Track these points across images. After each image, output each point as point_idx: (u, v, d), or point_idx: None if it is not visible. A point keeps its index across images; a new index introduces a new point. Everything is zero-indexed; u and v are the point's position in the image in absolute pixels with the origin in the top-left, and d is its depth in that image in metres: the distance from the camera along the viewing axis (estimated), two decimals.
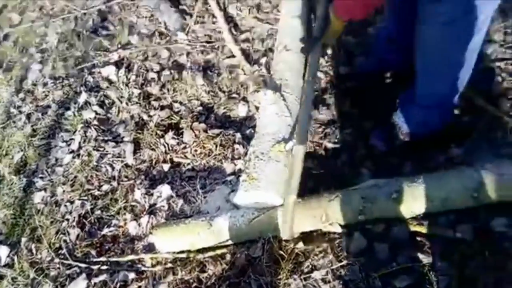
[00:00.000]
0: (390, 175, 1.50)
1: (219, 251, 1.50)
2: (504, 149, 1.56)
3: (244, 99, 2.03)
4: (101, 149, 2.04)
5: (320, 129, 1.78)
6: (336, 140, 1.75)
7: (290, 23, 1.99)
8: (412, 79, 1.51)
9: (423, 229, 1.40)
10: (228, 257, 1.48)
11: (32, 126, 2.28)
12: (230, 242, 1.50)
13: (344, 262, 1.37)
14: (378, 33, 1.80)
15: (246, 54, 2.23)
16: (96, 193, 1.88)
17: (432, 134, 1.62)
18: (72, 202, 1.87)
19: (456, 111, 1.68)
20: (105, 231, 1.72)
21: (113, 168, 1.96)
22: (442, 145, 1.63)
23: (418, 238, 1.39)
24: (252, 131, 1.85)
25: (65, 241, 1.72)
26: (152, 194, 1.77)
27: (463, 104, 1.68)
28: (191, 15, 2.57)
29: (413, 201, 1.41)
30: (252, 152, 1.57)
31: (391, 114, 1.65)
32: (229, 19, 2.44)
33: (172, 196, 1.74)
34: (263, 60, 2.16)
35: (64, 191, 1.93)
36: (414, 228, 1.41)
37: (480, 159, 1.54)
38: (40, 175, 2.04)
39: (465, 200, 1.40)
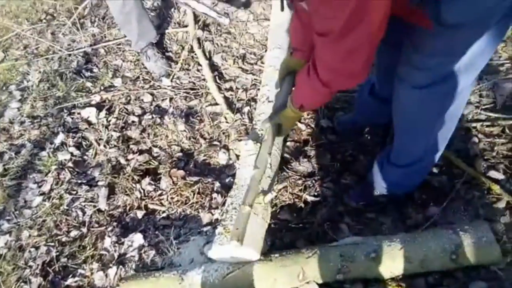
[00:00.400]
0: (369, 232, 1.48)
1: None
2: (482, 210, 1.57)
3: (225, 147, 2.02)
4: (74, 192, 1.98)
5: (300, 181, 1.77)
6: (315, 193, 1.73)
7: (273, 75, 2.03)
8: (392, 135, 1.52)
9: None
10: None
11: (3, 165, 2.19)
12: None
13: None
14: (361, 86, 1.82)
15: (229, 103, 2.24)
16: (64, 239, 1.80)
17: (407, 193, 1.63)
18: (37, 248, 1.77)
19: (435, 170, 1.70)
20: (70, 281, 1.63)
21: (84, 213, 1.88)
22: (417, 203, 1.63)
23: None
24: (232, 179, 1.82)
25: None
26: (123, 243, 1.70)
27: (441, 163, 1.71)
28: (176, 62, 2.60)
29: (392, 261, 1.38)
30: (230, 203, 1.53)
31: (370, 170, 1.65)
32: (213, 67, 2.47)
33: (144, 246, 1.67)
34: (246, 110, 2.17)
35: (30, 235, 1.84)
36: None
37: (457, 220, 1.55)
38: (7, 217, 1.94)
39: (444, 262, 1.38)
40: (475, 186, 1.65)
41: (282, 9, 1.26)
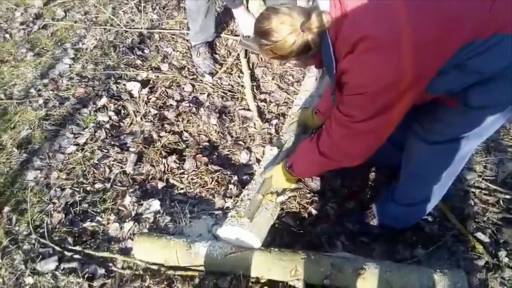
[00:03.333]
0: (360, 253, 1.66)
1: (189, 273, 1.58)
2: (463, 262, 1.74)
3: (249, 148, 2.21)
4: (105, 150, 2.16)
5: (309, 195, 1.95)
6: (320, 209, 1.91)
7: (306, 99, 2.25)
8: (399, 177, 1.72)
9: None
10: (196, 280, 1.56)
11: (46, 110, 2.39)
12: (202, 268, 1.59)
13: None
14: None
15: (260, 112, 2.44)
16: (88, 188, 1.97)
17: (401, 228, 1.81)
18: (63, 189, 1.95)
19: (429, 218, 1.88)
20: (87, 224, 1.80)
21: (110, 171, 2.07)
22: (407, 242, 1.81)
23: None
24: (249, 178, 2.01)
25: (46, 222, 1.78)
26: (141, 204, 1.87)
27: (437, 214, 1.89)
28: (221, 64, 2.82)
29: (375, 281, 1.55)
30: (247, 194, 1.72)
31: (374, 201, 1.84)
32: (253, 78, 2.69)
33: (159, 212, 1.84)
34: (274, 122, 2.37)
35: (58, 177, 2.01)
36: None
37: (440, 265, 1.72)
38: (40, 156, 2.12)
39: None
40: (461, 241, 1.82)
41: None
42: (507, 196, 1.99)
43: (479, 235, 1.84)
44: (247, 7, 2.50)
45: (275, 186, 1.67)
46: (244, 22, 2.39)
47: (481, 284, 1.66)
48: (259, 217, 1.64)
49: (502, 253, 1.73)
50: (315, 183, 2.01)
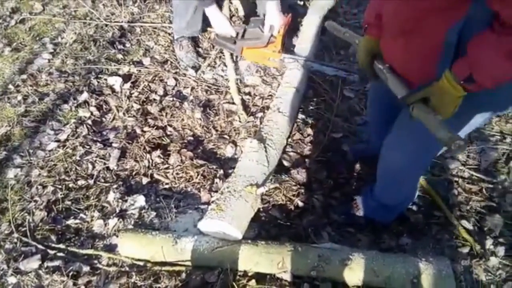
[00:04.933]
0: (347, 244, 1.67)
1: (176, 268, 1.57)
2: (447, 250, 1.76)
3: (234, 142, 2.20)
4: (87, 146, 2.12)
5: (295, 187, 1.95)
6: (306, 201, 1.91)
7: (288, 91, 2.24)
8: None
9: None
10: (183, 275, 1.55)
11: (26, 107, 2.34)
12: (189, 263, 1.58)
13: None
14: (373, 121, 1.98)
15: (245, 105, 2.43)
16: (71, 185, 1.93)
17: (382, 223, 1.83)
18: (44, 187, 1.91)
19: (414, 208, 1.91)
20: (70, 221, 1.76)
21: (93, 167, 2.03)
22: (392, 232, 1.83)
23: None
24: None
25: (28, 220, 1.74)
26: (126, 200, 1.84)
27: (421, 203, 1.91)
28: (204, 58, 2.79)
29: (361, 271, 1.56)
30: (227, 187, 1.71)
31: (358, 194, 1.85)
32: (237, 71, 2.67)
33: (144, 207, 1.82)
34: (259, 115, 2.36)
35: (39, 174, 1.97)
36: None
37: (425, 253, 1.74)
38: (21, 153, 2.07)
39: (405, 283, 1.56)
40: (446, 230, 1.85)
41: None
42: (490, 185, 2.02)
43: (463, 222, 1.87)
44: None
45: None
46: (216, 20, 2.41)
47: (465, 271, 1.69)
48: (239, 210, 1.63)
49: (487, 241, 1.76)
50: (301, 176, 2.01)
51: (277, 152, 1.96)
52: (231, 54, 2.75)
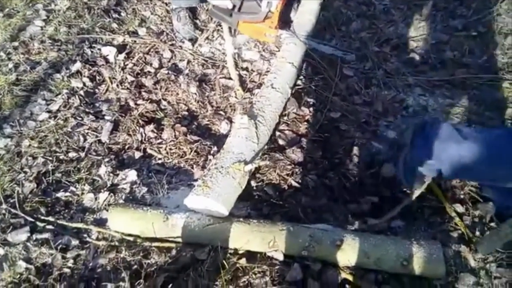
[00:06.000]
0: (338, 226, 1.66)
1: (166, 244, 1.56)
2: (439, 234, 1.76)
3: (229, 118, 2.16)
4: (79, 118, 2.08)
5: (289, 167, 1.92)
6: (300, 181, 1.89)
7: (283, 66, 2.19)
8: None
9: (353, 279, 1.54)
10: (173, 252, 1.54)
11: (17, 75, 2.28)
12: (179, 239, 1.57)
13: (278, 287, 1.47)
14: None
15: (242, 81, 2.37)
16: (62, 157, 1.90)
17: None
18: (35, 158, 1.88)
19: (408, 191, 1.89)
20: (60, 194, 1.74)
21: (85, 140, 2.00)
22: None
23: (347, 286, 1.52)
24: None
25: (17, 191, 1.72)
26: (117, 175, 1.82)
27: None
28: (201, 30, 2.72)
29: (352, 253, 1.56)
30: (214, 163, 1.68)
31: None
32: (235, 46, 2.60)
33: (136, 182, 1.79)
34: (256, 91, 2.31)
35: (30, 145, 1.94)
36: (345, 275, 1.55)
37: (416, 236, 1.74)
38: (11, 123, 2.04)
39: (396, 265, 1.55)
40: (438, 214, 1.84)
41: None
42: None
43: (457, 206, 1.86)
44: None
45: None
46: None
47: (455, 256, 1.68)
48: (226, 186, 1.60)
49: (478, 227, 1.75)
50: (296, 155, 1.98)
51: (268, 129, 1.92)
52: (229, 28, 2.67)
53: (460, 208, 1.83)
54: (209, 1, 2.43)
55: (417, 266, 1.55)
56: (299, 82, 2.33)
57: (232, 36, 2.62)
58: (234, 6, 2.41)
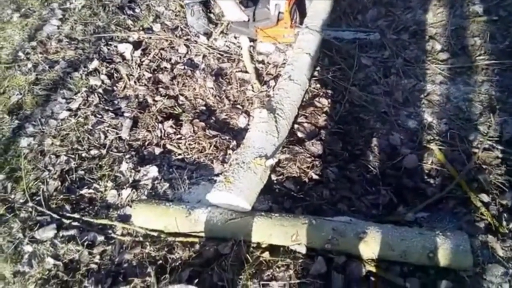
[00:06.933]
0: (361, 218, 1.64)
1: (190, 239, 1.57)
2: (465, 225, 1.72)
3: (247, 112, 2.15)
4: (99, 116, 2.10)
5: (309, 159, 1.91)
6: (320, 173, 1.88)
7: (299, 57, 2.16)
8: None
9: (378, 271, 1.52)
10: (197, 247, 1.55)
11: (36, 75, 2.31)
12: (202, 234, 1.58)
13: (302, 280, 1.46)
14: None
15: (258, 74, 2.36)
16: (84, 154, 1.93)
17: None
18: (58, 156, 1.90)
19: (431, 181, 1.86)
20: (84, 191, 1.77)
21: (106, 137, 2.01)
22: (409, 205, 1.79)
23: (372, 278, 1.51)
24: None
25: (42, 189, 1.74)
26: (139, 171, 1.83)
27: (438, 177, 1.86)
28: (215, 24, 2.71)
29: (376, 245, 1.54)
30: (235, 159, 1.68)
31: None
32: (251, 39, 2.58)
33: (157, 178, 1.81)
34: (272, 84, 2.29)
35: (52, 143, 1.96)
36: (370, 268, 1.53)
37: (441, 227, 1.71)
38: (33, 122, 2.07)
39: (421, 257, 1.53)
40: (463, 204, 1.81)
41: None
42: None
43: (482, 196, 1.82)
44: None
45: None
46: (227, 8, 2.36)
47: (482, 246, 1.65)
48: (248, 182, 1.60)
49: (505, 216, 1.72)
50: (316, 147, 1.97)
51: (287, 122, 1.91)
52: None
53: (485, 198, 1.80)
54: (226, 19, 2.47)
55: (444, 258, 1.52)
56: (315, 73, 2.31)
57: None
58: (249, 18, 2.42)
